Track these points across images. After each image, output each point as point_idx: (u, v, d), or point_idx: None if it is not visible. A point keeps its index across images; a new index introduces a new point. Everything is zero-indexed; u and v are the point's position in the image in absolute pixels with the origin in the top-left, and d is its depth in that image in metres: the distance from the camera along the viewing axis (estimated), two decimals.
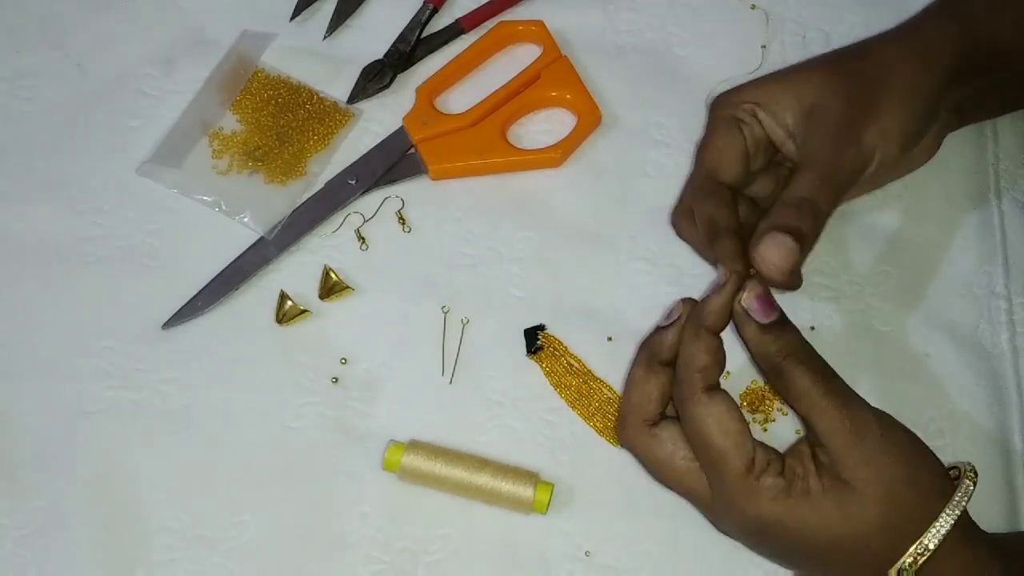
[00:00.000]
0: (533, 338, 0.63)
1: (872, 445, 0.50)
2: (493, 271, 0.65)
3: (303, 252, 0.65)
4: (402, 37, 0.71)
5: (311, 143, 0.68)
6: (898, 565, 0.49)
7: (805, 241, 0.55)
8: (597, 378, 0.62)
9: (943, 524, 0.49)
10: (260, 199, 0.66)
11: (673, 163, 0.68)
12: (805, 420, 0.52)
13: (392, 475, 0.59)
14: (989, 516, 0.60)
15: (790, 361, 0.51)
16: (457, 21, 0.72)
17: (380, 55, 0.70)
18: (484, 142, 0.67)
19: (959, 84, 0.60)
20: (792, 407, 0.52)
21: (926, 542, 0.49)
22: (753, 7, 0.71)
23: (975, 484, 0.50)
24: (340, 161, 0.68)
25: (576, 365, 0.63)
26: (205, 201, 0.66)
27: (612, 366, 0.63)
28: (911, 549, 0.49)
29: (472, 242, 0.66)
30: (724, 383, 0.62)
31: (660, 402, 0.54)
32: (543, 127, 0.69)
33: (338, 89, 0.69)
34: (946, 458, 0.60)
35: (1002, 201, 0.67)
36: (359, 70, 0.70)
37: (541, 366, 0.63)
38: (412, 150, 0.68)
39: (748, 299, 0.52)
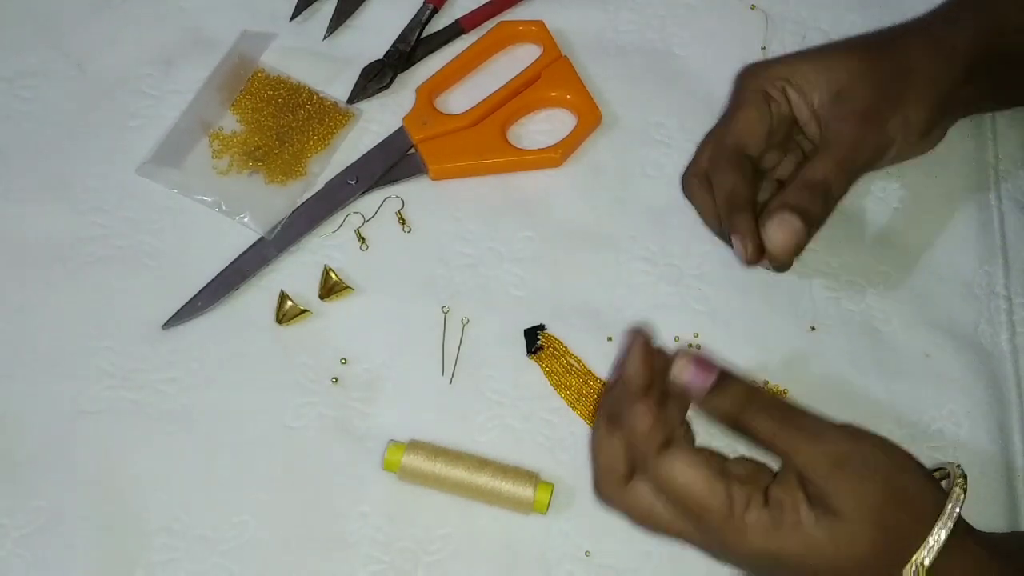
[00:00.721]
0: (533, 338, 0.63)
1: (853, 473, 0.49)
2: (493, 271, 0.65)
3: (303, 252, 0.65)
4: (402, 37, 0.71)
5: (311, 143, 0.68)
6: None
7: (813, 223, 0.57)
8: (597, 378, 0.62)
9: (936, 538, 0.48)
10: (260, 199, 0.66)
11: (673, 163, 0.68)
12: (783, 460, 0.51)
13: (392, 475, 0.59)
14: (989, 516, 0.60)
15: (748, 414, 0.50)
16: (457, 21, 0.72)
17: (380, 55, 0.70)
18: (484, 142, 0.67)
19: (978, 76, 0.61)
20: (767, 452, 0.51)
21: (922, 558, 0.48)
22: (753, 7, 0.71)
23: (965, 491, 0.49)
24: (340, 161, 0.68)
25: (576, 365, 0.63)
26: (205, 201, 0.66)
27: (612, 366, 0.62)
28: (906, 570, 0.48)
29: (472, 242, 0.66)
30: None
31: (627, 459, 0.52)
32: (543, 127, 0.69)
33: (338, 89, 0.69)
34: (945, 458, 0.61)
35: (1002, 201, 0.67)
36: (359, 70, 0.70)
37: (541, 366, 0.63)
38: (412, 150, 0.68)
39: (681, 373, 0.50)
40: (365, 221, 0.66)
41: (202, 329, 0.63)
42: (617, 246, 0.66)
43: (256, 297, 0.64)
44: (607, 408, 0.53)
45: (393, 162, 0.67)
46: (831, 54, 0.61)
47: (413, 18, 0.71)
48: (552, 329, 0.63)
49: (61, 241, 0.65)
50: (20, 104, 0.68)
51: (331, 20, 0.71)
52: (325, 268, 0.64)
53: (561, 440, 0.61)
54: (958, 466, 0.51)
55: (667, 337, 0.63)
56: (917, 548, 0.48)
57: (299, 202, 0.66)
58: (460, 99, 0.69)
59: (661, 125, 0.69)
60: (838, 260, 0.65)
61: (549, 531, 0.59)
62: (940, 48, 0.60)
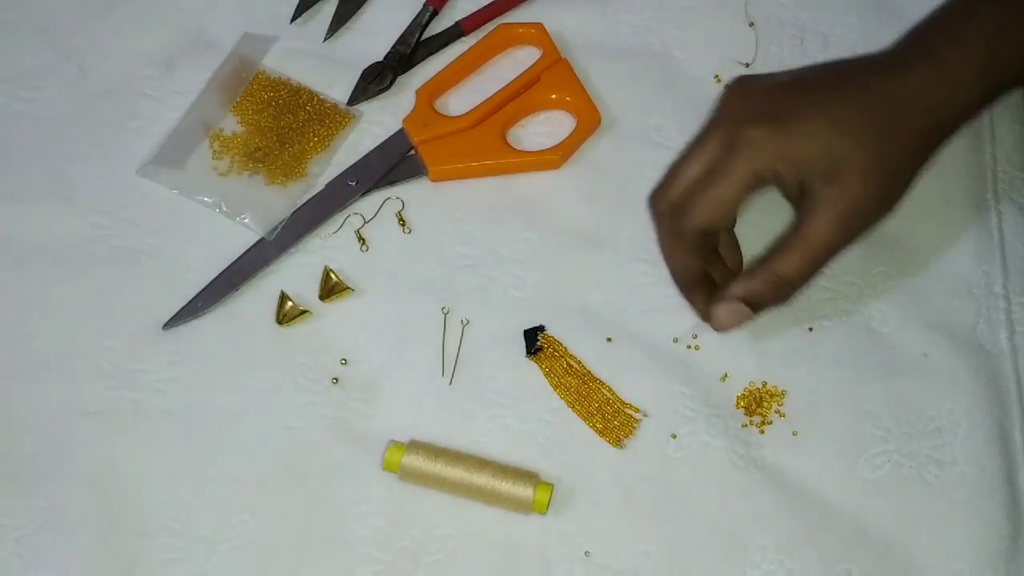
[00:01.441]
0: (533, 339, 0.63)
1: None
2: (493, 272, 0.65)
3: (303, 253, 0.65)
4: (402, 39, 0.71)
5: (311, 144, 0.68)
6: None
7: (762, 311, 0.57)
8: (597, 379, 0.62)
9: None
10: (260, 200, 0.66)
11: None
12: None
13: (392, 475, 0.59)
14: (989, 515, 0.60)
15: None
16: (457, 23, 0.72)
17: (380, 57, 0.71)
18: (484, 144, 0.67)
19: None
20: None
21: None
22: (751, 24, 0.71)
23: None
24: (340, 162, 0.68)
25: (576, 366, 0.63)
26: (206, 202, 0.66)
27: (612, 366, 0.63)
28: None
29: (472, 243, 0.66)
30: (722, 384, 0.63)
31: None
32: (543, 129, 0.69)
33: (338, 91, 0.70)
34: (945, 458, 0.61)
35: (1000, 202, 0.68)
36: (359, 72, 0.70)
37: (541, 367, 0.63)
38: (412, 152, 0.68)
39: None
40: (365, 222, 0.66)
41: (202, 330, 0.63)
42: (616, 247, 0.66)
43: (256, 298, 0.64)
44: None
45: (393, 164, 0.67)
46: (834, 134, 0.55)
47: (413, 20, 0.71)
48: (552, 330, 0.64)
49: (61, 241, 0.65)
50: (20, 104, 0.68)
51: (331, 22, 0.72)
52: (325, 269, 0.64)
53: (561, 440, 0.61)
54: None
55: (666, 338, 0.64)
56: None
57: (299, 203, 0.66)
58: (460, 101, 0.70)
59: (660, 127, 0.69)
60: (837, 261, 0.65)
61: (549, 531, 0.59)
62: (944, 118, 0.57)
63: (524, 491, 0.58)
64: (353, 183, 0.67)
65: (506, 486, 0.58)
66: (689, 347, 0.64)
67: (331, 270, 0.64)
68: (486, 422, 0.61)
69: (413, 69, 0.71)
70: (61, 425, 0.60)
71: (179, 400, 0.61)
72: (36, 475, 0.59)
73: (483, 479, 0.58)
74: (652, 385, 0.62)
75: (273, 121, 0.68)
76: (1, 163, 0.67)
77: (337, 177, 0.67)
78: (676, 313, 0.64)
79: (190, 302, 0.63)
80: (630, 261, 0.66)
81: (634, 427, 0.61)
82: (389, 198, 0.67)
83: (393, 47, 0.71)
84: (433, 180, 0.67)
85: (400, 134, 0.68)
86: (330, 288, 0.64)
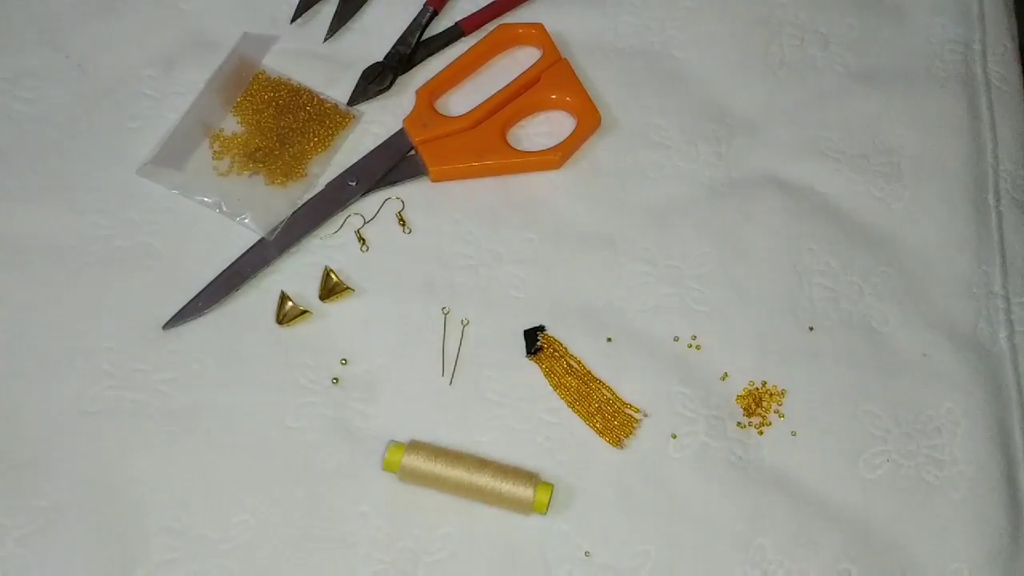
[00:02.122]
0: (533, 339, 0.63)
1: None
2: (493, 272, 0.65)
3: (303, 253, 0.65)
4: (402, 39, 0.71)
5: (311, 145, 0.68)
6: None
7: None
8: (597, 379, 0.62)
9: None
10: (261, 200, 0.66)
11: (672, 165, 0.68)
12: None
13: (392, 475, 0.59)
14: (989, 514, 0.60)
15: None
16: (457, 24, 0.72)
17: (380, 57, 0.71)
18: (484, 144, 0.67)
19: None
20: None
21: None
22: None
23: None
24: (340, 163, 0.68)
25: (576, 366, 0.63)
26: (206, 202, 0.66)
27: (612, 367, 0.63)
28: None
29: (472, 243, 0.66)
30: (722, 384, 0.63)
31: None
32: (543, 129, 0.69)
33: (339, 91, 0.70)
34: (944, 457, 0.61)
35: (1000, 202, 0.68)
36: (359, 72, 0.70)
37: (541, 367, 0.63)
38: (412, 152, 0.68)
39: None
40: (365, 222, 0.66)
41: (202, 330, 0.63)
42: (617, 247, 0.66)
43: (256, 298, 0.64)
44: None
45: (393, 164, 0.67)
46: None
47: (413, 21, 0.71)
48: (552, 330, 0.64)
49: (61, 241, 0.65)
50: (21, 105, 0.69)
51: (332, 22, 0.72)
52: (325, 269, 0.64)
53: (561, 440, 0.61)
54: None
55: (666, 338, 0.64)
56: None
57: (299, 203, 0.66)
58: (460, 101, 0.70)
59: (660, 127, 0.69)
60: (836, 261, 0.66)
61: (549, 531, 0.59)
62: None
63: (524, 491, 0.58)
64: (353, 183, 0.67)
65: (506, 486, 0.58)
66: (689, 347, 0.64)
67: (331, 270, 0.64)
68: (486, 422, 0.61)
69: (413, 69, 0.71)
70: (61, 425, 0.60)
71: (179, 400, 0.61)
72: (36, 475, 0.59)
73: (483, 479, 0.58)
74: (652, 385, 0.62)
75: (273, 121, 0.68)
76: (1, 163, 0.67)
77: (337, 177, 0.67)
78: (676, 313, 0.64)
79: (190, 302, 0.63)
80: (630, 261, 0.66)
81: (634, 427, 0.61)
82: (389, 198, 0.67)
83: (393, 47, 0.71)
84: (433, 180, 0.67)
85: (400, 134, 0.68)
86: (330, 288, 0.64)
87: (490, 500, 0.59)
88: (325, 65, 0.70)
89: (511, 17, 0.72)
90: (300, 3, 0.72)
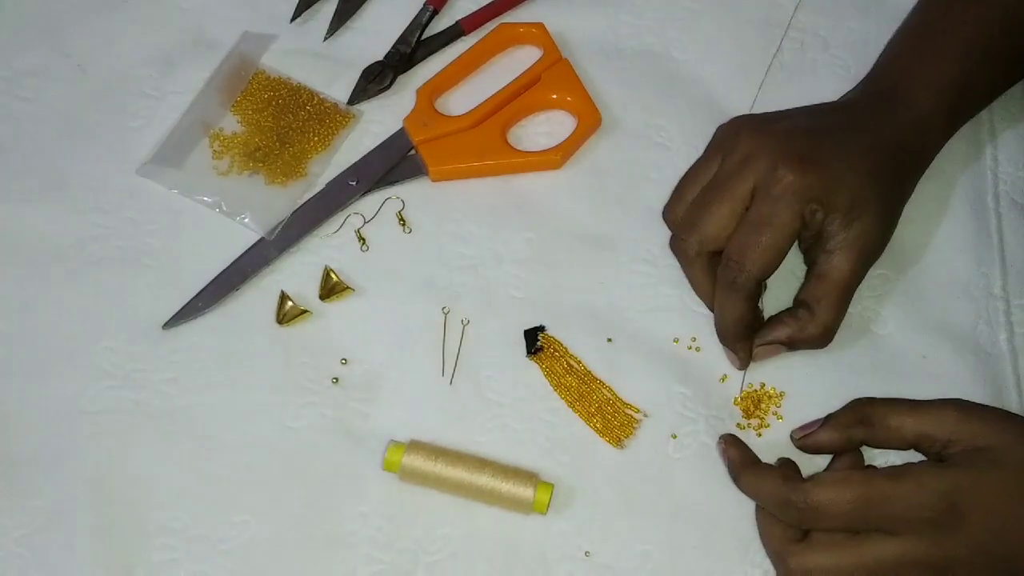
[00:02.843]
0: (533, 339, 0.63)
1: (979, 413, 0.55)
2: (493, 272, 0.65)
3: (303, 253, 0.65)
4: (402, 39, 0.71)
5: (311, 144, 0.68)
6: None
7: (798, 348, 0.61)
8: (597, 379, 0.63)
9: None
10: (261, 200, 0.66)
11: (673, 165, 0.68)
12: (920, 439, 0.55)
13: (392, 475, 0.59)
14: None
15: (871, 410, 0.57)
16: (457, 23, 0.72)
17: (380, 56, 0.71)
18: (484, 144, 0.67)
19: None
20: (899, 444, 0.56)
21: None
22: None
23: None
24: (340, 162, 0.68)
25: (576, 366, 0.63)
26: (205, 202, 0.66)
27: (612, 367, 0.63)
28: None
29: (472, 243, 0.66)
30: (722, 385, 0.63)
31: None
32: (543, 129, 0.69)
33: (339, 90, 0.70)
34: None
35: (1000, 203, 0.68)
36: (359, 71, 0.70)
37: (541, 367, 0.63)
38: (412, 151, 0.68)
39: (797, 432, 0.59)
40: (365, 222, 0.66)
41: (202, 329, 0.63)
42: (617, 248, 0.66)
43: (256, 297, 0.64)
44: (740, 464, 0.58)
45: (393, 163, 0.67)
46: (852, 173, 0.59)
47: (413, 20, 0.71)
48: (552, 330, 0.64)
49: (61, 241, 0.65)
50: (20, 104, 0.68)
51: (331, 21, 0.72)
52: (325, 269, 0.64)
53: (561, 440, 0.61)
54: None
55: (666, 338, 0.64)
56: None
57: (299, 203, 0.66)
58: (460, 101, 0.70)
59: (661, 127, 0.69)
60: None
61: (549, 531, 0.59)
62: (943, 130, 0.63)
63: (524, 491, 0.58)
64: (353, 183, 0.67)
65: (506, 486, 0.58)
66: (689, 347, 0.64)
67: (331, 270, 0.64)
68: (486, 422, 0.61)
69: (413, 69, 0.71)
70: (61, 425, 0.60)
71: (179, 400, 0.61)
72: (36, 475, 0.59)
73: (483, 479, 0.58)
74: (652, 385, 0.62)
75: (273, 121, 0.68)
76: (1, 163, 0.67)
77: (337, 177, 0.67)
78: (676, 313, 0.64)
79: (190, 302, 0.63)
80: (630, 261, 0.66)
81: (634, 427, 0.61)
82: (389, 198, 0.67)
83: (393, 47, 0.71)
84: (433, 180, 0.67)
85: (400, 134, 0.68)
86: (330, 288, 0.64)
87: (490, 500, 0.59)
88: (325, 64, 0.70)
89: (511, 16, 0.72)
90: (300, 2, 0.72)
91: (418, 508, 0.59)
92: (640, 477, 0.60)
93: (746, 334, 0.61)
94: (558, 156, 0.67)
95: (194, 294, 0.63)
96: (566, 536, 0.59)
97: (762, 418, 0.62)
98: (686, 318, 0.64)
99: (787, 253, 0.59)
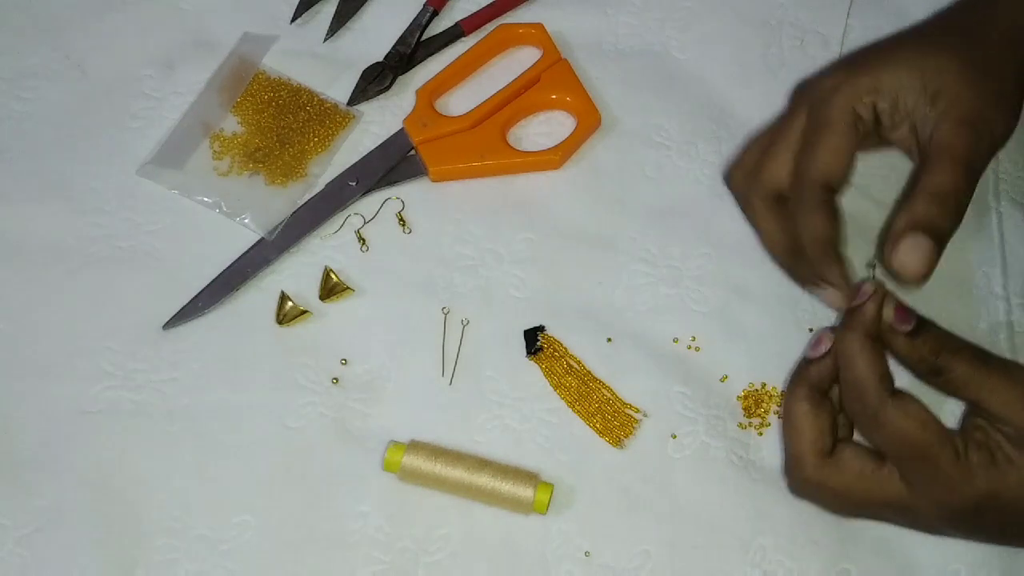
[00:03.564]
0: (533, 339, 0.63)
1: None
2: (493, 272, 0.65)
3: (303, 253, 0.65)
4: (402, 39, 0.71)
5: (311, 145, 0.68)
6: None
7: (944, 240, 0.54)
8: (597, 379, 0.63)
9: None
10: (261, 200, 0.66)
11: (672, 165, 0.68)
12: (976, 404, 0.52)
13: (392, 475, 0.59)
14: None
15: (945, 356, 0.52)
16: (457, 24, 0.72)
17: (380, 57, 0.71)
18: (484, 144, 0.67)
19: None
20: (958, 397, 0.53)
21: None
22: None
23: None
24: (340, 163, 0.68)
25: (576, 366, 0.63)
26: (206, 202, 0.66)
27: (612, 367, 0.63)
28: None
29: (472, 243, 0.66)
30: (722, 385, 0.63)
31: (832, 432, 0.54)
32: (543, 129, 0.69)
33: (339, 91, 0.70)
34: None
35: (1000, 203, 0.68)
36: (359, 72, 0.70)
37: (541, 367, 0.63)
38: (412, 152, 0.68)
39: (888, 313, 0.53)
40: (365, 222, 0.66)
41: (202, 330, 0.63)
42: (617, 248, 0.66)
43: (256, 298, 0.64)
44: (813, 382, 0.54)
45: (393, 164, 0.67)
46: (920, 54, 0.56)
47: (413, 20, 0.71)
48: (552, 330, 0.64)
49: (61, 241, 0.65)
50: (20, 104, 0.69)
51: (331, 22, 0.72)
52: (325, 269, 0.64)
53: (561, 440, 0.61)
54: None
55: (666, 338, 0.64)
56: None
57: (299, 203, 0.66)
58: (460, 101, 0.70)
59: (660, 127, 0.69)
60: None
61: (549, 531, 0.59)
62: (1014, 31, 0.57)
63: (524, 491, 0.58)
64: (353, 183, 0.67)
65: (506, 486, 0.58)
66: (689, 347, 0.64)
67: (331, 270, 0.64)
68: (486, 422, 0.61)
69: (413, 69, 0.71)
70: (61, 425, 0.60)
71: (179, 400, 0.61)
72: (36, 475, 0.59)
73: (483, 479, 0.58)
74: (652, 385, 0.62)
75: (273, 121, 0.68)
76: (1, 163, 0.67)
77: (337, 177, 0.67)
78: (676, 313, 0.64)
79: (190, 302, 0.63)
80: (630, 261, 0.66)
81: (634, 427, 0.61)
82: (389, 198, 0.67)
83: (393, 47, 0.71)
84: (433, 180, 0.67)
85: (400, 134, 0.68)
86: (330, 288, 0.64)
87: (490, 500, 0.59)
88: (325, 65, 0.70)
89: (511, 17, 0.72)
90: (300, 3, 0.72)
91: (418, 508, 0.59)
92: (640, 477, 0.60)
93: (833, 256, 0.55)
94: (558, 156, 0.67)
95: (194, 294, 0.63)
96: (566, 536, 0.59)
97: (763, 417, 0.62)
98: (686, 318, 0.64)
99: (851, 159, 0.55)
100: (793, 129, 0.58)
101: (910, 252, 0.53)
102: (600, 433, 0.61)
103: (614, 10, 0.73)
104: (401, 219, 0.66)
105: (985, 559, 0.59)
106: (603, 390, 0.62)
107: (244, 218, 0.65)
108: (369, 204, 0.67)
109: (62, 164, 0.67)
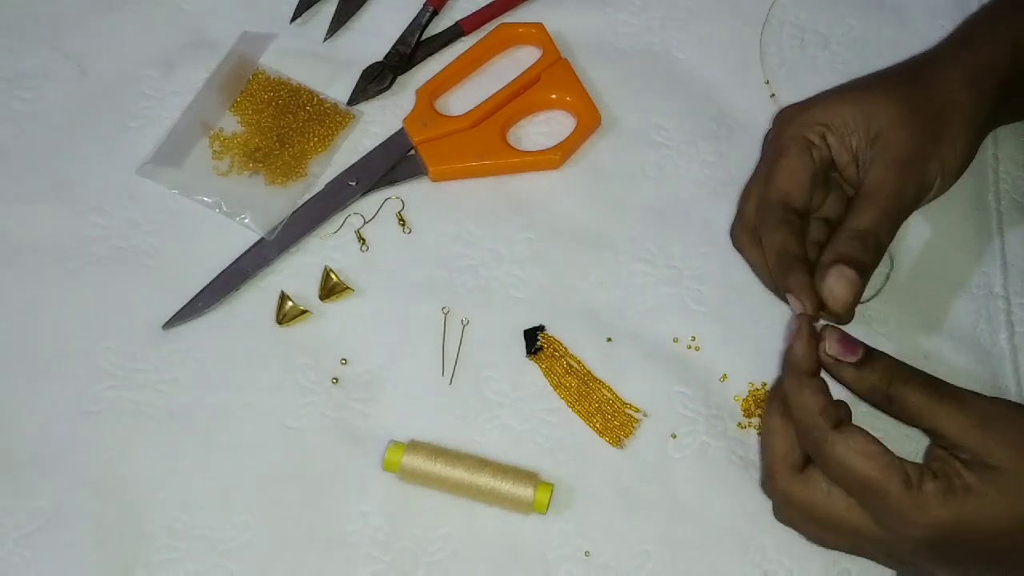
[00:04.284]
0: (533, 339, 0.63)
1: (1002, 426, 0.51)
2: (493, 272, 0.65)
3: (303, 253, 0.65)
4: (402, 39, 0.71)
5: (311, 144, 0.68)
6: None
7: (867, 274, 0.57)
8: (597, 379, 0.62)
9: None
10: (260, 200, 0.66)
11: (672, 165, 0.68)
12: (932, 432, 0.52)
13: (392, 475, 0.59)
14: None
15: (896, 386, 0.52)
16: (457, 23, 0.72)
17: (380, 57, 0.71)
18: (484, 144, 0.67)
19: (1007, 99, 0.61)
20: (914, 425, 0.53)
21: None
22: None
23: None
24: (340, 162, 0.68)
25: (576, 366, 0.63)
26: (205, 202, 0.66)
27: (612, 367, 0.63)
28: None
29: (472, 243, 0.66)
30: (722, 385, 0.63)
31: (803, 446, 0.54)
32: (543, 129, 0.69)
33: (338, 91, 0.70)
34: None
35: (1000, 202, 0.68)
36: (359, 72, 0.70)
37: (541, 367, 0.63)
38: (412, 152, 0.68)
39: (832, 347, 0.54)
40: (365, 222, 0.66)
41: (202, 329, 0.63)
42: (616, 247, 0.66)
43: (256, 298, 0.64)
44: (782, 397, 0.55)
45: (393, 163, 0.67)
46: (868, 95, 0.60)
47: (413, 20, 0.71)
48: (552, 330, 0.64)
49: (61, 241, 0.65)
50: (20, 104, 0.69)
51: (331, 22, 0.72)
52: (325, 269, 0.64)
53: (561, 440, 0.61)
54: None
55: (666, 338, 0.64)
56: None
57: (299, 203, 0.66)
58: (460, 101, 0.70)
59: (660, 127, 0.69)
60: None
61: (549, 531, 0.59)
62: (975, 83, 0.60)
63: (524, 491, 0.58)
64: (353, 183, 0.67)
65: (506, 486, 0.58)
66: (689, 347, 0.64)
67: (331, 270, 0.64)
68: (486, 422, 0.61)
69: (413, 69, 0.71)
70: (61, 425, 0.60)
71: (179, 400, 0.61)
72: (36, 475, 0.59)
73: (483, 479, 0.58)
74: (652, 385, 0.62)
75: (273, 121, 0.68)
76: (1, 163, 0.67)
77: (337, 177, 0.67)
78: (676, 313, 0.64)
79: (190, 302, 0.63)
80: (630, 261, 0.66)
81: (634, 427, 0.61)
82: (389, 198, 0.67)
83: (393, 47, 0.71)
84: (433, 180, 0.67)
85: (400, 134, 0.68)
86: (330, 288, 0.64)
87: (490, 500, 0.59)
88: (325, 64, 0.70)
89: (511, 17, 0.72)
90: (300, 2, 0.72)
91: (418, 508, 0.59)
92: (640, 477, 0.60)
93: (793, 266, 0.57)
94: (557, 156, 0.67)
95: (194, 294, 0.63)
96: (566, 536, 0.59)
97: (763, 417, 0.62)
98: (686, 318, 0.64)
99: (806, 180, 0.59)
100: (760, 166, 0.62)
101: (836, 282, 0.56)
102: (600, 433, 0.61)
103: (614, 10, 0.73)
104: (401, 219, 0.66)
105: None
106: (603, 390, 0.62)
107: (244, 218, 0.65)
108: (369, 204, 0.67)
109: (62, 164, 0.67)
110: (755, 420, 0.62)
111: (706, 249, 0.66)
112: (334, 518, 0.59)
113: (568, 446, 0.61)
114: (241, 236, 0.65)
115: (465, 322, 0.64)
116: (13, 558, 0.57)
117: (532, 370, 0.63)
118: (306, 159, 0.67)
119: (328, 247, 0.66)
